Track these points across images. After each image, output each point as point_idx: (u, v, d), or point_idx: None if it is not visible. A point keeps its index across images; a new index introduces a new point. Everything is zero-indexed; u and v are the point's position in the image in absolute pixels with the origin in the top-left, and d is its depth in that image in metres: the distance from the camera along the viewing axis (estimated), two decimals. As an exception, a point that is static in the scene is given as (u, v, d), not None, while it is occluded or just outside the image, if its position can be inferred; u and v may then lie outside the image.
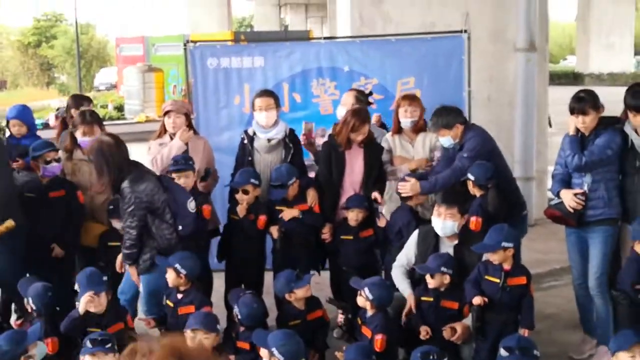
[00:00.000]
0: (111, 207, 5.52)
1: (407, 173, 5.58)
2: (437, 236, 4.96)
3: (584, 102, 4.94)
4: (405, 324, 4.82)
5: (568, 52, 50.12)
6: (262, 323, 4.66)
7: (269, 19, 39.26)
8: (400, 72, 6.80)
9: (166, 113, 5.75)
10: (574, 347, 5.28)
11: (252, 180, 5.45)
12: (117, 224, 5.51)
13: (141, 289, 5.05)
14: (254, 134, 5.76)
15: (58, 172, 5.35)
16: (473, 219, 4.96)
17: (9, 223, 4.96)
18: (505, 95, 8.14)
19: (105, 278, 4.75)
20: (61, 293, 4.89)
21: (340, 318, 5.63)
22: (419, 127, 5.84)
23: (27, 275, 4.98)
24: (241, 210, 5.43)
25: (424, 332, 4.63)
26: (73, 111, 6.44)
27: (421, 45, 6.87)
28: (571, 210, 5.02)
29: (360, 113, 5.52)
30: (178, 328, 4.61)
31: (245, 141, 5.77)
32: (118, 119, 22.11)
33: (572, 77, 34.10)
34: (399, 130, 5.87)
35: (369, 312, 4.59)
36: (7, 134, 6.24)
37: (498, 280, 4.52)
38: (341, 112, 5.93)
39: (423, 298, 4.79)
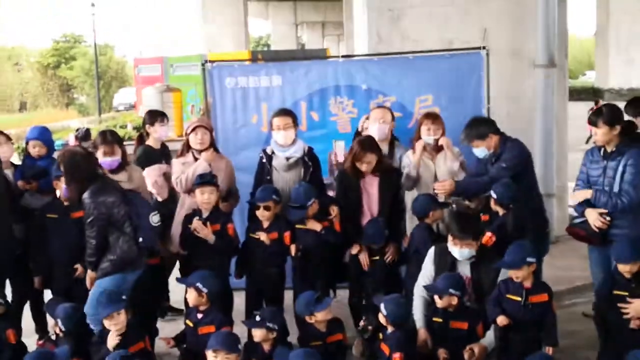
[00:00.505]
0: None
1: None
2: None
3: (598, 116, 5.03)
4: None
5: (587, 68, 49.83)
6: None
7: (285, 38, 39.50)
8: (419, 90, 6.78)
9: (193, 129, 5.79)
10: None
11: (274, 197, 5.47)
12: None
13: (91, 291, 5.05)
14: (273, 152, 5.78)
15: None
16: (488, 234, 4.97)
17: None
18: (524, 111, 8.09)
19: (124, 297, 4.77)
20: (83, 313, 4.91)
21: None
22: (440, 145, 5.82)
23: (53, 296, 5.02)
24: (266, 238, 5.45)
25: (442, 356, 4.58)
26: (147, 127, 6.56)
27: (439, 62, 6.84)
28: (596, 230, 4.98)
29: (363, 142, 5.53)
30: (198, 347, 4.64)
31: (264, 160, 5.79)
32: (137, 139, 22.28)
33: (591, 93, 33.87)
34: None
35: (388, 329, 4.57)
36: (23, 154, 6.28)
37: (520, 299, 4.50)
38: (374, 129, 5.93)
39: (434, 319, 4.77)
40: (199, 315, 4.88)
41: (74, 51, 50.74)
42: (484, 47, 6.70)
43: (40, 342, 5.74)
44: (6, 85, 49.00)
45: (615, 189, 5.01)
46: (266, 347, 4.64)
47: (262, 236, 5.44)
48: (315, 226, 5.46)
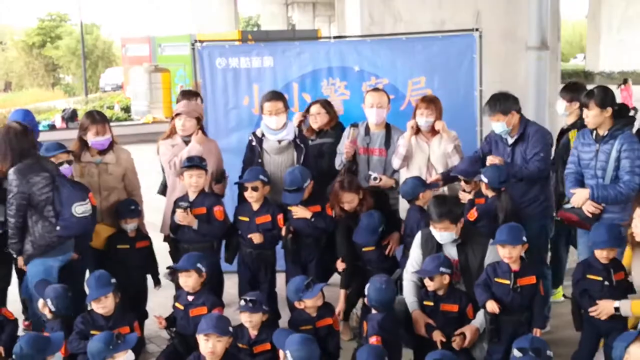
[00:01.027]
0: (120, 208, 5.54)
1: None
2: None
3: (590, 97, 5.01)
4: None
5: (578, 51, 49.77)
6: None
7: (276, 18, 39.28)
8: (411, 72, 6.73)
9: (177, 115, 5.72)
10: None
11: (262, 177, 5.43)
12: (125, 226, 5.50)
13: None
14: (263, 135, 5.72)
15: (69, 174, 5.31)
16: (473, 210, 4.97)
17: None
18: (516, 94, 8.02)
19: (113, 280, 4.74)
20: (72, 296, 4.86)
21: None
22: (435, 129, 5.75)
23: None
24: (256, 238, 5.43)
25: (439, 339, 4.58)
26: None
27: (432, 44, 6.78)
28: (589, 215, 4.97)
29: (342, 183, 5.47)
30: (189, 330, 4.61)
31: (254, 143, 5.74)
32: (125, 120, 22.10)
33: (582, 76, 33.92)
34: (417, 130, 5.79)
35: (372, 310, 4.57)
36: None
37: (508, 282, 4.50)
38: (371, 114, 5.86)
39: (425, 303, 4.77)
40: (190, 298, 4.85)
41: (59, 30, 50.10)
42: (476, 29, 6.64)
43: (27, 322, 5.70)
44: (-10, 65, 48.60)
45: (609, 174, 4.97)
46: (253, 332, 4.61)
47: (255, 238, 5.42)
48: (305, 214, 5.43)
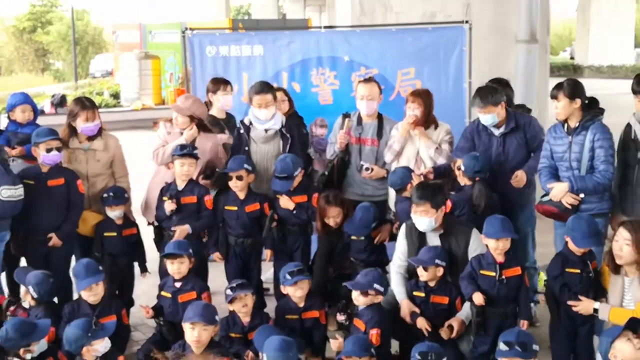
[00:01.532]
0: (105, 195, 5.50)
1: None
2: None
3: (558, 89, 5.04)
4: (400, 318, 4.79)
5: (567, 45, 49.80)
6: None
7: (266, 7, 39.00)
8: (401, 63, 6.73)
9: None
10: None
11: (246, 166, 5.44)
12: (111, 213, 5.48)
13: None
14: (250, 123, 5.73)
15: (58, 160, 5.31)
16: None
17: None
18: (505, 86, 8.08)
19: (101, 268, 4.73)
20: (57, 282, 4.85)
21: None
22: (424, 121, 5.70)
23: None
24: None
25: (424, 327, 4.60)
26: (210, 95, 6.40)
27: (422, 35, 6.79)
28: (568, 207, 5.01)
29: (328, 197, 5.47)
30: (178, 316, 4.61)
31: (242, 131, 5.75)
32: (114, 106, 21.99)
33: (571, 69, 33.94)
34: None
35: (361, 306, 4.56)
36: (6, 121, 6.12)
37: (494, 274, 4.52)
38: (362, 105, 5.84)
39: (415, 293, 4.78)
40: (177, 284, 4.86)
41: (50, 15, 49.75)
42: (466, 22, 6.65)
43: (12, 308, 5.69)
44: (-20, 50, 48.17)
45: (584, 164, 5.01)
46: (246, 319, 4.62)
47: (286, 203, 5.42)
48: (288, 205, 5.44)
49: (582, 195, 4.98)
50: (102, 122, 5.65)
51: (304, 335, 4.69)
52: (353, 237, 5.42)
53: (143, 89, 22.11)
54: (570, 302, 4.45)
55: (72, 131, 5.57)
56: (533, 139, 5.45)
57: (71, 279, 5.24)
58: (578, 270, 4.51)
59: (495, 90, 5.41)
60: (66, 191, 5.34)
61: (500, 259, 4.54)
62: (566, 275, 4.53)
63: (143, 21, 26.91)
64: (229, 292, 4.63)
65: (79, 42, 41.45)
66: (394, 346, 4.76)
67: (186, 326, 4.25)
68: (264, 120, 5.68)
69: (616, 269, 4.39)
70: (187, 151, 5.40)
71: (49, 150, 5.24)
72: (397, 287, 4.91)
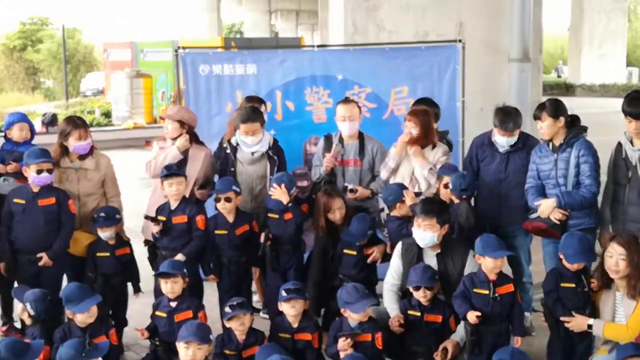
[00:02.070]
0: (95, 216, 5.44)
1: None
2: (419, 246, 4.92)
3: (541, 109, 5.14)
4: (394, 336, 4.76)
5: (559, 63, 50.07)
6: None
7: (259, 26, 39.26)
8: (394, 81, 6.76)
9: (164, 118, 5.77)
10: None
11: (234, 187, 5.42)
12: (102, 234, 5.42)
13: None
14: (237, 144, 5.72)
15: (48, 182, 5.27)
16: None
17: None
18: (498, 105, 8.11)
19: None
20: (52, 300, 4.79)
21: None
22: (421, 141, 5.67)
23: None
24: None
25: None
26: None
27: (416, 54, 6.83)
28: (557, 222, 5.03)
29: (327, 191, 5.50)
30: (174, 336, 4.54)
31: (228, 151, 5.78)
32: (106, 125, 21.92)
33: (564, 88, 34.13)
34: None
35: (353, 323, 4.54)
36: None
37: (487, 292, 4.52)
38: (343, 127, 5.84)
39: (409, 312, 4.76)
40: (173, 304, 4.82)
41: (40, 34, 49.71)
42: (459, 40, 6.68)
43: (4, 328, 5.62)
44: (-30, 68, 48.06)
45: (570, 180, 5.08)
46: (241, 337, 4.58)
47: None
48: (283, 197, 5.40)
49: (569, 211, 5.03)
50: (93, 141, 5.62)
51: (298, 356, 4.64)
52: (346, 251, 5.37)
53: (135, 107, 22.04)
54: (563, 319, 4.46)
55: (64, 150, 5.54)
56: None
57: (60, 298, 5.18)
58: (573, 285, 4.52)
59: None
60: (57, 211, 5.30)
61: (492, 276, 4.54)
62: (561, 290, 4.53)
63: (134, 39, 26.94)
64: (227, 309, 4.59)
65: (69, 61, 41.43)
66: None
67: (180, 345, 4.21)
68: (251, 144, 5.73)
69: (607, 284, 4.41)
70: (172, 171, 5.36)
71: (39, 172, 5.20)
72: (391, 304, 4.90)
